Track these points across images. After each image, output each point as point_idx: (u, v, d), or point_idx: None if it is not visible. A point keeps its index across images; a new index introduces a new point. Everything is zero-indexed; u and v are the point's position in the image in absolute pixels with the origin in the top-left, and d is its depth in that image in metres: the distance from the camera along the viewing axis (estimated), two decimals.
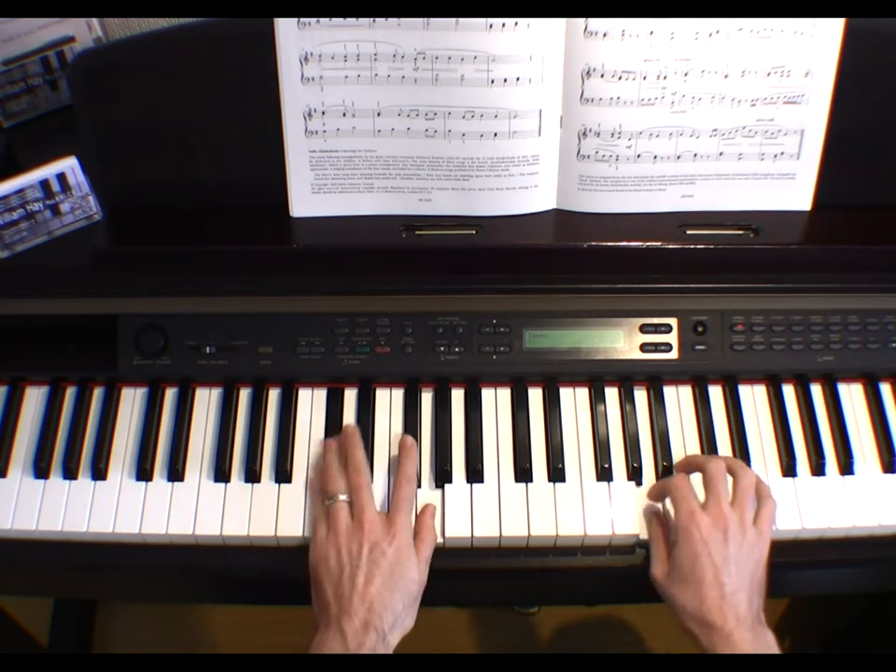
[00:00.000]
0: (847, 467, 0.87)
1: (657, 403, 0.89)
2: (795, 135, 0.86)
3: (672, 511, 0.80)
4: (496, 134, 0.84)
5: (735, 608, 0.74)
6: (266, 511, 0.84)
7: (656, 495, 0.84)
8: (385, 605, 0.74)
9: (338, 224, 0.89)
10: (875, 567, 0.88)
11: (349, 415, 0.89)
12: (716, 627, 0.73)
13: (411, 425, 0.88)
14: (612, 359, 0.89)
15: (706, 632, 0.74)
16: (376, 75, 0.81)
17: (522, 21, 0.78)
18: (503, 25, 0.78)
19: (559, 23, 0.79)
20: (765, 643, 0.73)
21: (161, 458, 0.87)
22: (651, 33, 0.79)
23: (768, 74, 0.82)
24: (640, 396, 0.90)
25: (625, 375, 0.90)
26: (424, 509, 0.83)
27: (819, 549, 0.85)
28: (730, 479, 0.81)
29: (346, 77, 0.82)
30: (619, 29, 0.79)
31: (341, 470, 0.83)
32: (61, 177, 0.86)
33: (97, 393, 0.91)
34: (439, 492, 0.85)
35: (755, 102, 0.84)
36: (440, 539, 0.82)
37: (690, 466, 0.84)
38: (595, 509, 0.84)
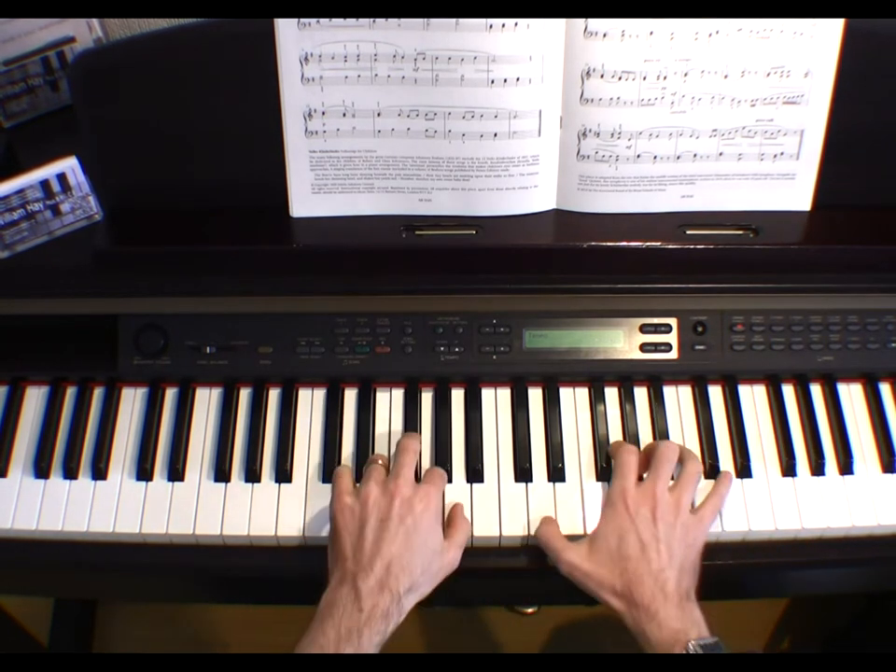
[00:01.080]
0: (846, 466, 0.87)
1: (657, 403, 0.89)
2: (795, 136, 0.86)
3: None
4: (496, 135, 0.84)
5: (661, 584, 0.73)
6: (266, 511, 0.84)
7: (610, 453, 0.85)
8: (402, 566, 0.73)
9: (338, 224, 0.89)
10: (874, 566, 0.88)
11: (349, 415, 0.89)
12: (642, 605, 0.73)
13: (411, 425, 0.88)
14: (612, 359, 0.89)
15: (631, 610, 0.73)
16: (376, 75, 0.81)
17: (522, 21, 0.78)
18: (503, 26, 0.78)
19: (559, 24, 0.79)
20: (693, 620, 0.73)
21: (161, 458, 0.87)
22: (651, 33, 0.80)
23: (768, 74, 0.82)
24: (640, 396, 0.90)
25: (625, 375, 0.90)
26: (454, 506, 0.83)
27: (819, 549, 0.84)
28: None
29: (346, 77, 0.82)
30: (619, 29, 0.79)
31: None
32: (61, 177, 0.86)
33: (97, 393, 0.91)
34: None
35: (755, 102, 0.84)
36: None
37: (648, 451, 0.84)
38: (595, 508, 0.84)
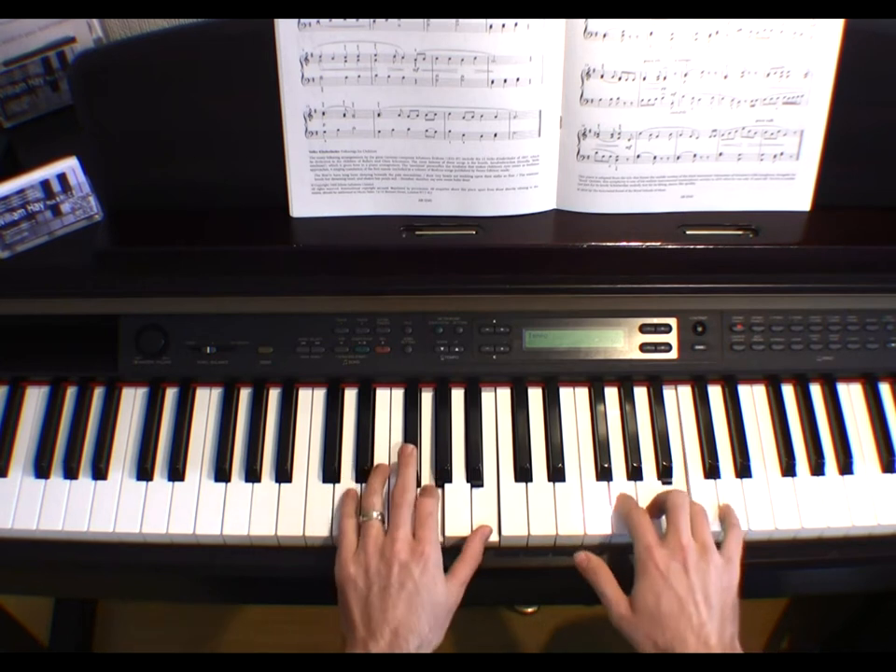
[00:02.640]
0: (846, 466, 0.87)
1: (657, 403, 0.89)
2: (795, 136, 0.86)
3: None
4: (496, 135, 0.84)
5: (704, 639, 0.73)
6: (266, 511, 0.84)
7: (617, 513, 0.83)
8: (410, 629, 0.74)
9: (338, 224, 0.89)
10: (874, 566, 0.88)
11: (349, 415, 0.89)
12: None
13: (411, 425, 0.88)
14: (612, 359, 0.89)
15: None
16: (376, 75, 0.82)
17: (521, 21, 0.78)
18: (503, 26, 0.78)
19: (559, 24, 0.79)
20: None
21: (161, 458, 0.88)
22: (651, 33, 0.80)
23: (768, 74, 0.83)
24: (640, 396, 0.90)
25: (625, 375, 0.90)
26: (477, 531, 0.82)
27: (819, 548, 0.85)
28: None
29: (346, 77, 0.82)
30: (619, 29, 0.79)
31: (383, 489, 0.83)
32: (61, 178, 0.86)
33: (98, 393, 0.91)
34: (439, 491, 0.85)
35: (755, 102, 0.84)
36: (439, 538, 0.82)
37: (654, 503, 0.84)
38: (594, 508, 0.84)
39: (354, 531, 0.80)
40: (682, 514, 0.78)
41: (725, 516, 0.82)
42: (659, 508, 0.83)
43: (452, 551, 0.81)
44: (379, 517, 0.80)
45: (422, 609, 0.75)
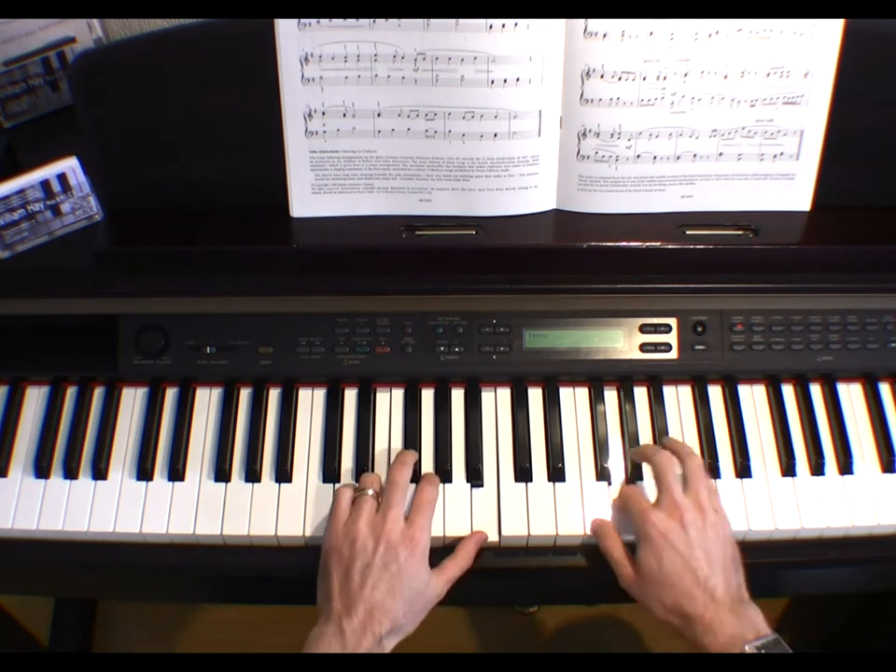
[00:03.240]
0: (846, 466, 0.87)
1: (657, 403, 0.89)
2: (795, 136, 0.86)
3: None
4: (495, 135, 0.84)
5: (710, 592, 0.73)
6: (266, 511, 0.84)
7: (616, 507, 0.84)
8: (385, 611, 0.74)
9: (338, 224, 0.89)
10: (874, 566, 0.88)
11: (349, 415, 0.89)
12: (696, 618, 0.72)
13: (411, 424, 0.88)
14: (612, 359, 0.89)
15: (686, 623, 0.73)
16: (376, 75, 0.82)
17: (521, 21, 0.78)
18: (503, 26, 0.78)
19: (559, 24, 0.79)
20: (750, 620, 0.72)
21: (161, 458, 0.88)
22: (651, 33, 0.80)
23: (768, 74, 0.83)
24: (640, 396, 0.90)
25: (625, 375, 0.90)
26: (473, 534, 0.82)
27: (819, 548, 0.85)
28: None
29: (346, 77, 0.82)
30: (619, 29, 0.79)
31: (381, 476, 0.83)
32: (61, 178, 0.87)
33: (98, 393, 0.91)
34: (439, 482, 0.85)
35: (755, 102, 0.84)
36: (438, 538, 0.82)
37: (640, 457, 0.84)
38: (594, 508, 0.84)
39: (348, 502, 0.81)
40: (671, 474, 0.79)
41: (686, 469, 0.81)
42: (639, 460, 0.84)
43: (449, 550, 0.82)
44: (374, 495, 0.80)
45: (400, 595, 0.75)
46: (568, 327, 0.89)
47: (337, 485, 0.85)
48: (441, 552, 0.81)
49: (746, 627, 0.72)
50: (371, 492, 0.80)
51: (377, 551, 0.76)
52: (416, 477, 0.85)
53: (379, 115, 0.84)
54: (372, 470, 0.86)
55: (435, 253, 0.87)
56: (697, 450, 0.87)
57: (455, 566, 0.80)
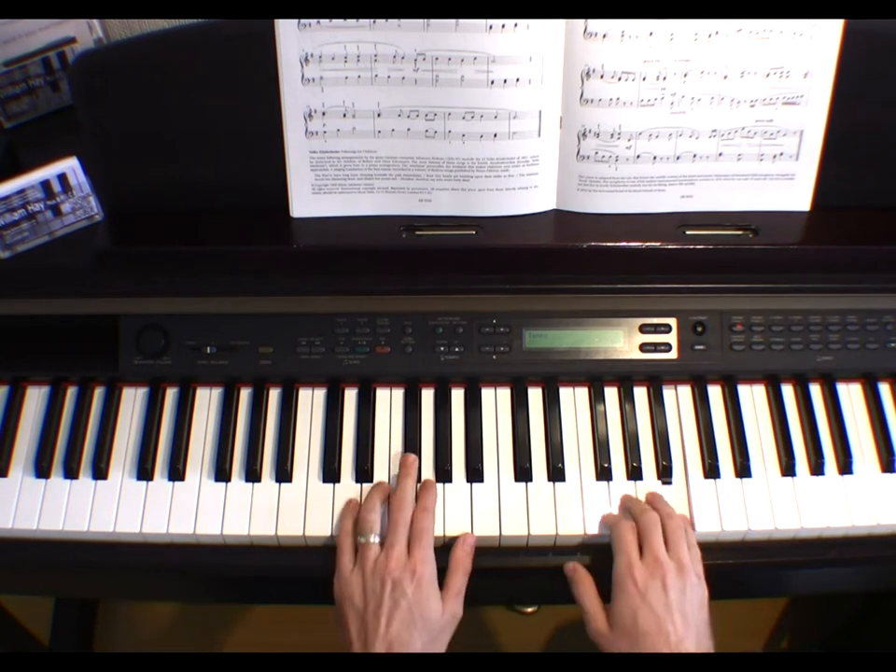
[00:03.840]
0: (845, 466, 0.87)
1: (657, 403, 0.90)
2: (794, 136, 0.86)
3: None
4: (495, 135, 0.84)
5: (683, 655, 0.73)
6: (266, 511, 0.84)
7: (603, 522, 0.84)
8: (403, 645, 0.75)
9: (338, 224, 0.89)
10: (874, 566, 0.88)
11: (349, 415, 0.89)
12: None
13: (411, 424, 0.88)
14: (612, 359, 0.89)
15: None
16: (376, 76, 0.82)
17: (521, 22, 0.78)
18: (503, 26, 0.78)
19: (559, 24, 0.79)
20: None
21: (161, 458, 0.88)
22: (651, 34, 0.80)
23: (767, 75, 0.83)
24: (640, 395, 0.90)
25: (625, 375, 0.91)
26: (461, 541, 0.82)
27: (819, 548, 0.85)
28: None
29: (346, 77, 0.82)
30: (618, 30, 0.79)
31: (381, 506, 0.83)
32: (62, 178, 0.87)
33: (98, 393, 0.91)
34: (439, 491, 0.85)
35: (754, 102, 0.84)
36: (439, 538, 0.82)
37: (628, 509, 0.84)
38: (594, 508, 0.84)
39: (351, 549, 0.81)
40: (655, 533, 0.79)
41: (686, 536, 0.81)
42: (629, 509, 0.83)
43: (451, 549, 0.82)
44: (376, 539, 0.80)
45: (414, 627, 0.76)
46: (568, 327, 0.89)
47: (338, 529, 0.83)
48: (442, 551, 0.81)
49: None
50: (373, 538, 0.80)
51: (384, 590, 0.77)
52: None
53: (379, 115, 0.84)
54: (372, 470, 0.86)
55: (435, 253, 0.87)
56: (697, 450, 0.88)
57: (456, 577, 0.80)
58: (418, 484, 0.85)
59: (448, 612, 0.78)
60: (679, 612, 0.74)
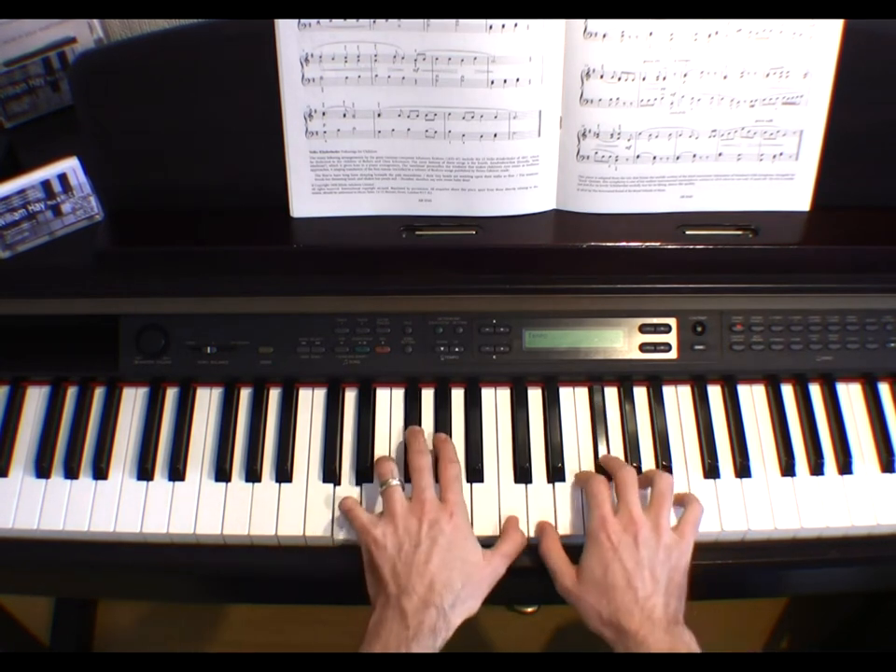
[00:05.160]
0: (845, 466, 0.87)
1: (656, 403, 0.90)
2: (794, 136, 0.86)
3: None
4: (495, 135, 0.84)
5: (648, 612, 0.73)
6: (267, 511, 0.84)
7: (577, 485, 0.84)
8: (444, 583, 0.74)
9: (338, 224, 0.89)
10: (874, 566, 0.88)
11: (349, 415, 0.90)
12: (630, 632, 0.72)
13: (411, 424, 0.88)
14: (612, 359, 0.89)
15: (620, 637, 0.73)
16: (376, 76, 0.82)
17: (521, 22, 0.78)
18: (503, 26, 0.78)
19: (559, 24, 0.79)
20: (683, 643, 0.73)
21: (161, 458, 0.88)
22: (651, 34, 0.80)
23: (767, 75, 0.83)
24: (640, 395, 0.90)
25: (625, 375, 0.91)
26: (509, 518, 0.82)
27: (818, 548, 0.85)
28: None
29: (347, 77, 0.82)
30: (618, 30, 0.79)
31: (391, 458, 0.83)
32: (62, 178, 0.87)
33: (98, 393, 0.91)
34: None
35: (754, 102, 0.84)
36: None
37: (606, 466, 0.84)
38: None
39: (357, 504, 0.81)
40: (632, 490, 0.79)
41: (684, 495, 0.82)
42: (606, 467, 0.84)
43: None
44: (398, 482, 0.80)
45: (454, 565, 0.75)
46: (568, 327, 0.89)
47: (340, 488, 0.85)
48: None
49: (678, 647, 0.72)
50: (394, 481, 0.80)
51: (421, 529, 0.76)
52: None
53: (379, 115, 0.84)
54: (373, 470, 0.86)
55: (435, 253, 0.87)
56: (697, 450, 0.88)
57: (507, 541, 0.80)
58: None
59: (491, 565, 0.77)
60: (649, 570, 0.74)
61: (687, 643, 0.73)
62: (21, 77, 1.00)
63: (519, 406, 0.89)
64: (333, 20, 0.79)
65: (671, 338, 0.89)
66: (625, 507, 0.78)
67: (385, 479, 0.81)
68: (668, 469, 0.86)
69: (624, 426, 0.89)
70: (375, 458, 0.85)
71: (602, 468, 0.86)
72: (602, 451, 0.87)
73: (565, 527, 0.83)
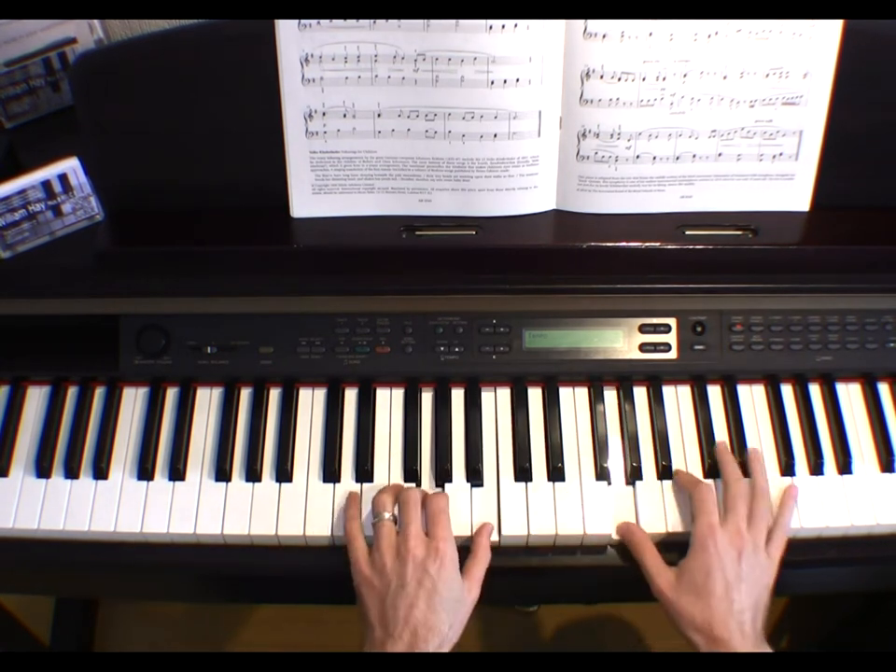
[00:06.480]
0: (845, 466, 0.87)
1: (656, 403, 0.90)
2: (794, 136, 0.86)
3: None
4: (495, 135, 0.84)
5: (741, 625, 0.74)
6: (267, 511, 0.85)
7: (679, 486, 0.84)
8: (429, 628, 0.74)
9: (338, 224, 0.89)
10: (873, 566, 0.88)
11: (349, 415, 0.90)
12: (722, 641, 0.73)
13: (411, 424, 0.88)
14: (611, 359, 0.89)
15: (711, 645, 0.74)
16: (376, 76, 0.82)
17: (521, 22, 0.78)
18: (503, 27, 0.78)
19: (558, 25, 0.79)
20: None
21: (162, 458, 0.88)
22: (651, 34, 0.80)
23: (767, 75, 0.83)
24: (639, 395, 0.90)
25: (625, 375, 0.91)
26: (481, 529, 0.82)
27: (818, 548, 0.85)
28: None
29: (347, 78, 0.82)
30: (618, 30, 0.79)
31: (391, 489, 0.83)
32: (62, 178, 0.87)
33: (99, 393, 0.92)
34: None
35: (754, 103, 0.84)
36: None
37: (722, 470, 0.84)
38: (594, 508, 0.84)
39: (361, 533, 0.80)
40: (743, 504, 0.80)
41: (778, 517, 0.83)
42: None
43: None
44: (391, 518, 0.80)
45: (441, 607, 0.75)
46: (568, 327, 0.89)
47: (344, 516, 0.83)
48: None
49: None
50: (387, 515, 0.80)
51: (406, 571, 0.75)
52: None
53: (379, 115, 0.84)
54: (373, 470, 0.86)
55: (435, 253, 0.87)
56: (697, 450, 0.88)
57: (478, 564, 0.80)
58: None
59: (471, 595, 0.78)
60: (746, 584, 0.76)
61: None
62: (22, 78, 1.00)
63: (519, 406, 0.89)
64: (333, 20, 0.79)
65: (671, 338, 0.89)
66: (734, 520, 0.79)
67: (378, 512, 0.81)
68: (668, 468, 0.86)
69: (624, 426, 0.89)
70: (377, 492, 0.83)
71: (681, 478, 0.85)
72: (602, 451, 0.87)
73: (566, 527, 0.83)
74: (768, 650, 0.75)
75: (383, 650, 0.73)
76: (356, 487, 0.86)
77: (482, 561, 0.80)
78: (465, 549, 0.81)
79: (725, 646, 0.73)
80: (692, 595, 0.76)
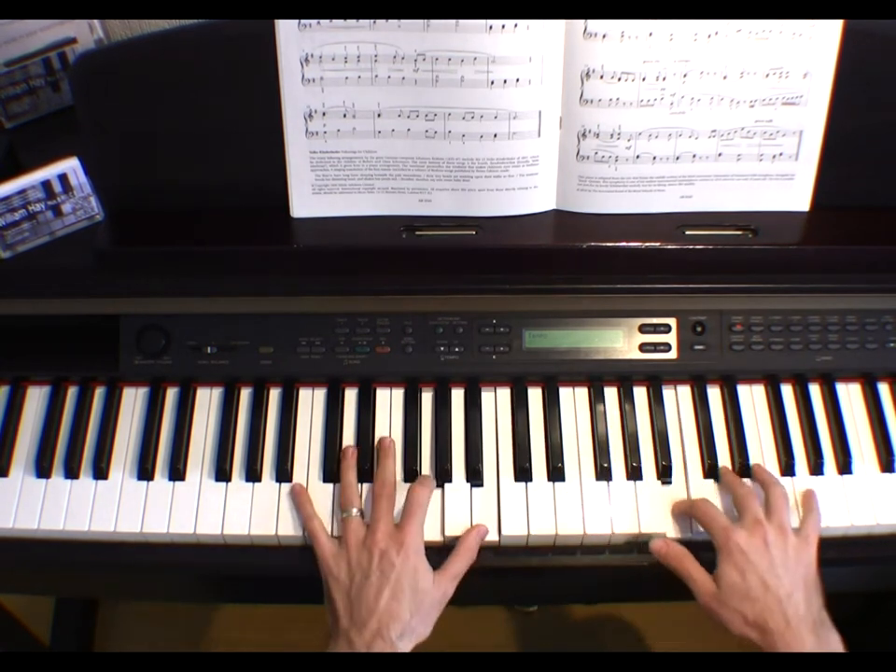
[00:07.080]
0: (845, 466, 0.87)
1: (656, 403, 0.90)
2: (794, 136, 0.86)
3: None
4: (495, 135, 0.84)
5: (794, 608, 0.74)
6: (267, 511, 0.85)
7: (680, 513, 0.84)
8: (392, 615, 0.74)
9: (338, 224, 0.89)
10: (873, 566, 0.88)
11: (349, 415, 0.90)
12: (776, 632, 0.73)
13: (411, 424, 0.89)
14: (611, 359, 0.89)
15: (766, 638, 0.74)
16: (376, 76, 0.82)
17: (521, 22, 0.78)
18: (503, 27, 0.78)
19: (558, 25, 0.79)
20: (828, 647, 0.73)
21: (162, 458, 0.88)
22: (651, 34, 0.80)
23: (767, 75, 0.83)
24: (639, 395, 0.90)
25: (625, 375, 0.91)
26: (472, 528, 0.82)
27: (818, 548, 0.85)
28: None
29: (347, 78, 0.82)
30: (618, 30, 0.79)
31: (356, 483, 0.84)
32: (62, 178, 0.87)
33: (99, 392, 0.92)
34: (438, 491, 0.85)
35: (754, 103, 0.84)
36: (438, 538, 0.83)
37: (728, 488, 0.84)
38: (594, 508, 0.84)
39: (323, 530, 0.81)
40: (752, 499, 0.80)
41: (805, 501, 0.83)
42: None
43: (451, 551, 0.82)
44: (358, 513, 0.81)
45: (403, 596, 0.75)
46: (568, 327, 0.89)
47: (301, 516, 0.84)
48: (444, 552, 0.81)
49: (823, 650, 0.72)
50: (354, 511, 0.81)
51: (371, 562, 0.77)
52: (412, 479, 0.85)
53: (379, 115, 0.84)
54: (373, 470, 0.86)
55: (435, 253, 0.87)
56: (696, 450, 0.88)
57: (458, 560, 0.80)
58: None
59: (439, 589, 0.78)
60: (782, 567, 0.76)
61: (833, 648, 0.73)
62: (22, 78, 1.00)
63: (519, 406, 0.89)
64: (333, 20, 0.79)
65: (671, 338, 0.89)
66: (749, 515, 0.79)
67: (346, 508, 0.82)
68: (668, 468, 0.86)
69: (624, 426, 0.89)
70: (342, 484, 0.84)
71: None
72: (602, 451, 0.87)
73: (566, 527, 0.83)
74: (831, 636, 0.74)
75: (347, 637, 0.74)
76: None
77: (462, 558, 0.80)
78: None
79: (781, 636, 0.73)
80: (736, 596, 0.75)
